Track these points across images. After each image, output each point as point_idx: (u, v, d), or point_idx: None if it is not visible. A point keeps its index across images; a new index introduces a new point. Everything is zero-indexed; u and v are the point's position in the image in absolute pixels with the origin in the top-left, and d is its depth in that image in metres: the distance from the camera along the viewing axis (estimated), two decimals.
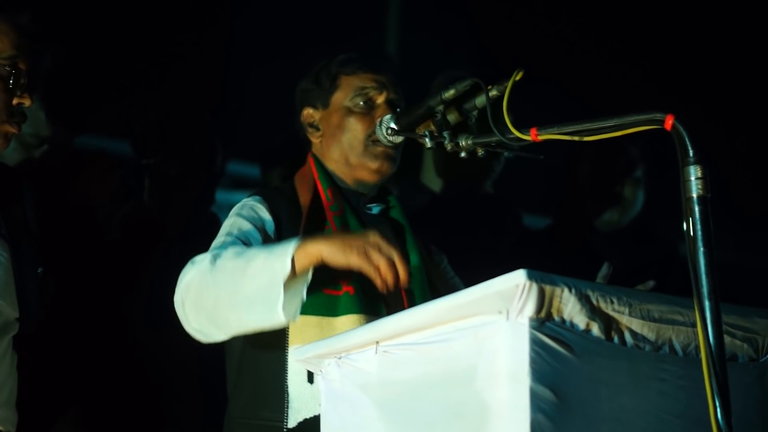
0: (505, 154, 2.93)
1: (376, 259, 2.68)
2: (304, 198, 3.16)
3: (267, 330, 2.80)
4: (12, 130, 2.98)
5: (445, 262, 3.38)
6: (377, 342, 2.41)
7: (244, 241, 2.97)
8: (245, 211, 3.08)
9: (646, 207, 4.48)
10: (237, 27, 5.60)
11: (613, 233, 4.42)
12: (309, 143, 3.31)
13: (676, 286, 2.53)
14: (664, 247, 4.58)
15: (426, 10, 6.12)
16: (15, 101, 2.97)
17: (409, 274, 2.75)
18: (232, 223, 3.04)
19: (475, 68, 4.18)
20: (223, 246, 2.92)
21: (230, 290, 2.76)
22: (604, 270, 3.11)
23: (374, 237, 2.71)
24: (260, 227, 3.04)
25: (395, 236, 3.19)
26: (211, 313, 2.80)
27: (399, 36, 6.30)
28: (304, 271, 2.72)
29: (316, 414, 2.84)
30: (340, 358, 2.49)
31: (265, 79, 5.38)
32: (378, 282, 2.70)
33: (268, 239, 3.03)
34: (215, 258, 2.81)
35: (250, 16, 5.60)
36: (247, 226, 3.03)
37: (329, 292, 2.96)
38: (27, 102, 2.98)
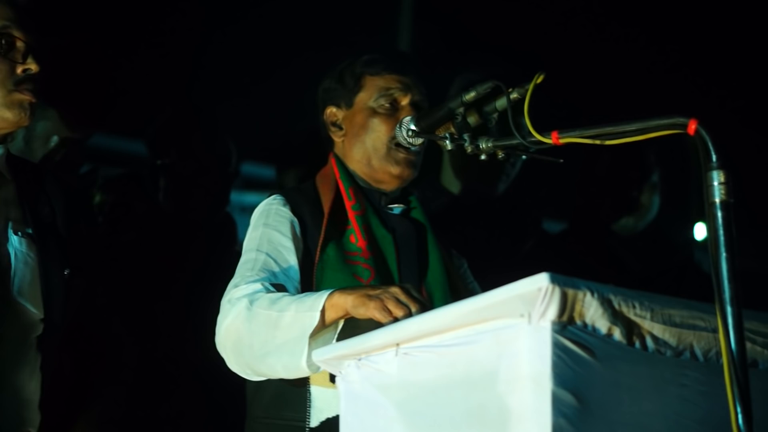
0: (522, 156, 2.92)
1: (395, 312, 2.68)
2: (326, 198, 3.17)
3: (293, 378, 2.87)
4: (24, 97, 2.98)
5: (465, 266, 3.38)
6: (398, 344, 2.41)
7: (274, 257, 3.00)
8: (272, 219, 3.08)
9: (662, 212, 4.48)
10: (253, 27, 5.60)
11: (628, 238, 4.41)
12: (328, 143, 3.31)
13: (691, 291, 2.52)
14: (680, 252, 4.58)
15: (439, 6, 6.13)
16: (20, 69, 2.97)
17: None
18: (261, 235, 3.06)
19: (489, 68, 4.14)
20: (255, 266, 2.97)
21: (262, 340, 2.82)
22: None
23: (395, 289, 2.73)
24: (290, 233, 3.06)
25: (417, 237, 3.20)
26: (247, 359, 2.87)
27: (412, 33, 6.32)
28: (333, 323, 2.79)
29: (339, 414, 2.84)
30: (360, 360, 2.49)
31: (277, 80, 5.39)
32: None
33: (297, 242, 3.05)
34: (251, 302, 2.86)
35: (266, 16, 5.60)
36: (277, 237, 3.05)
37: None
38: (33, 67, 2.97)
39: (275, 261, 3.00)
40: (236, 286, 2.94)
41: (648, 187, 4.41)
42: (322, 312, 2.75)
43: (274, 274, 2.98)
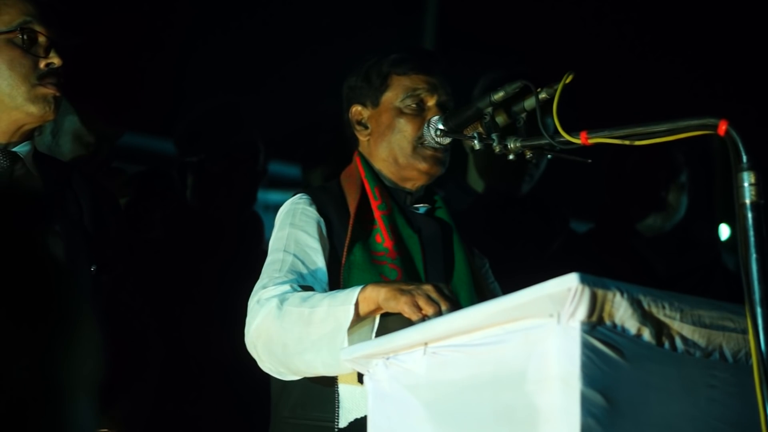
0: (548, 156, 2.92)
1: (425, 309, 2.68)
2: (352, 197, 3.16)
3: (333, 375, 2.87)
4: (48, 91, 2.99)
5: (486, 265, 3.37)
6: (426, 343, 2.40)
7: (301, 258, 3.00)
8: (298, 219, 3.08)
9: (689, 212, 4.46)
10: (279, 22, 5.61)
11: (655, 238, 4.40)
12: (352, 142, 3.31)
13: (719, 292, 2.52)
14: (707, 252, 4.56)
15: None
16: (42, 63, 3.00)
17: None
18: (288, 235, 3.06)
19: (513, 67, 4.15)
20: (283, 267, 2.97)
21: (296, 337, 2.81)
22: None
23: (428, 286, 2.73)
24: (317, 234, 3.06)
25: (442, 236, 3.19)
26: (281, 357, 2.87)
27: (437, 28, 6.32)
28: (367, 316, 2.78)
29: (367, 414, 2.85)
30: (388, 359, 2.49)
31: (301, 77, 5.39)
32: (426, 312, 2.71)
33: (324, 242, 3.05)
34: (281, 301, 2.86)
35: (291, 12, 5.61)
36: (303, 237, 3.05)
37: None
38: (56, 61, 2.99)
39: (302, 262, 3.00)
40: (264, 287, 2.94)
41: (676, 186, 4.39)
42: (356, 305, 2.75)
43: (301, 275, 2.98)
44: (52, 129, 3.78)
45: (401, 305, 2.69)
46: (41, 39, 3.00)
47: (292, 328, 2.82)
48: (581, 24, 5.78)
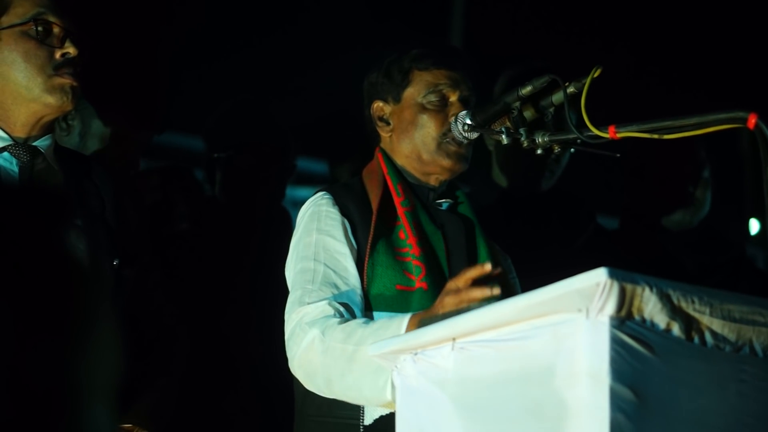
0: (571, 150, 2.92)
1: (467, 301, 2.69)
2: (374, 194, 3.14)
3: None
4: (65, 81, 2.99)
5: (508, 261, 3.35)
6: (454, 339, 2.40)
7: (333, 268, 2.99)
8: (324, 224, 3.07)
9: (717, 208, 4.44)
10: (309, 20, 5.62)
11: (682, 233, 4.38)
12: (373, 138, 3.30)
13: (746, 286, 2.51)
14: (733, 247, 4.54)
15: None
16: (58, 54, 2.99)
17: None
18: (316, 242, 3.05)
19: (534, 62, 4.14)
20: (315, 280, 2.98)
21: (339, 374, 2.83)
22: None
23: (452, 284, 2.74)
24: (344, 237, 3.05)
25: (465, 232, 3.19)
26: (323, 389, 2.90)
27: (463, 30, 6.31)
28: None
29: (392, 411, 2.85)
30: (416, 354, 2.48)
31: (327, 75, 5.40)
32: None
33: (350, 244, 3.04)
34: (324, 334, 2.85)
35: (317, 11, 5.61)
36: (332, 244, 3.04)
37: (402, 288, 2.97)
38: (71, 51, 2.99)
39: (334, 271, 2.99)
40: (302, 303, 2.94)
41: (701, 182, 4.38)
42: None
43: (336, 286, 2.97)
44: (80, 130, 3.79)
45: (447, 308, 2.70)
46: (56, 30, 3.00)
47: (335, 365, 2.82)
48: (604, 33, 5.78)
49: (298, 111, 5.04)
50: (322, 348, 2.84)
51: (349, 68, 3.68)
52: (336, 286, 2.97)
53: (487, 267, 2.71)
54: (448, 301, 2.71)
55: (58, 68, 2.99)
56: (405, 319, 2.76)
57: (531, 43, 5.66)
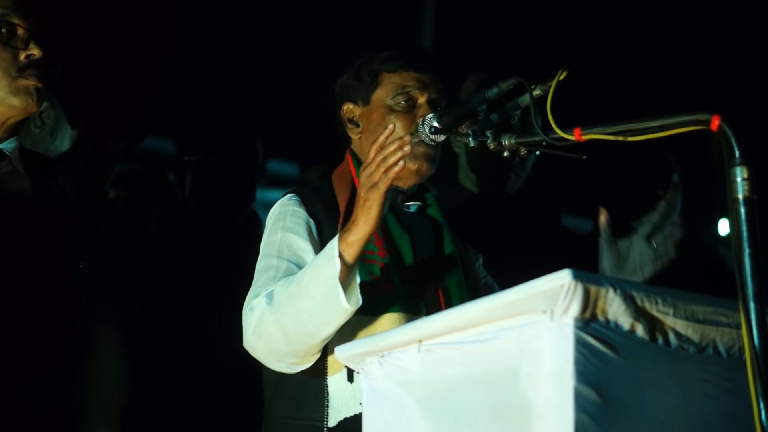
0: (536, 152, 2.92)
1: (379, 177, 2.78)
2: (342, 196, 3.15)
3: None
4: (29, 83, 2.99)
5: (480, 260, 3.37)
6: (420, 341, 2.41)
7: (295, 262, 3.00)
8: (289, 222, 3.08)
9: (689, 209, 4.45)
10: (279, 22, 5.61)
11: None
12: (344, 140, 3.31)
13: (718, 288, 2.51)
14: (705, 249, 4.56)
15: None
16: (22, 55, 2.99)
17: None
18: (280, 239, 3.06)
19: (502, 65, 4.14)
20: (278, 274, 2.98)
21: (293, 317, 2.82)
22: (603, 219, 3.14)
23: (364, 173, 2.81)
24: (307, 235, 3.06)
25: (433, 234, 3.19)
26: (286, 348, 2.87)
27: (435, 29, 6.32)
28: (355, 260, 2.79)
29: (357, 413, 2.86)
30: (382, 357, 2.49)
31: (299, 76, 5.39)
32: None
33: (315, 243, 3.05)
34: (269, 299, 2.87)
35: (293, 11, 5.61)
36: (295, 240, 3.05)
37: (368, 290, 2.98)
38: (36, 52, 2.99)
39: (297, 266, 2.99)
40: (257, 295, 2.95)
41: (672, 185, 4.39)
42: (341, 257, 2.77)
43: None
44: (52, 128, 3.78)
45: (374, 205, 2.79)
46: (20, 31, 2.99)
47: (286, 313, 2.82)
48: (577, 23, 5.79)
49: (269, 113, 5.04)
50: (270, 308, 2.85)
51: (322, 69, 3.68)
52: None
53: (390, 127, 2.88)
54: (363, 180, 2.80)
55: (22, 70, 2.98)
56: (335, 240, 2.81)
57: (501, 40, 5.68)
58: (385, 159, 2.78)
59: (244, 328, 2.91)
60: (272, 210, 3.16)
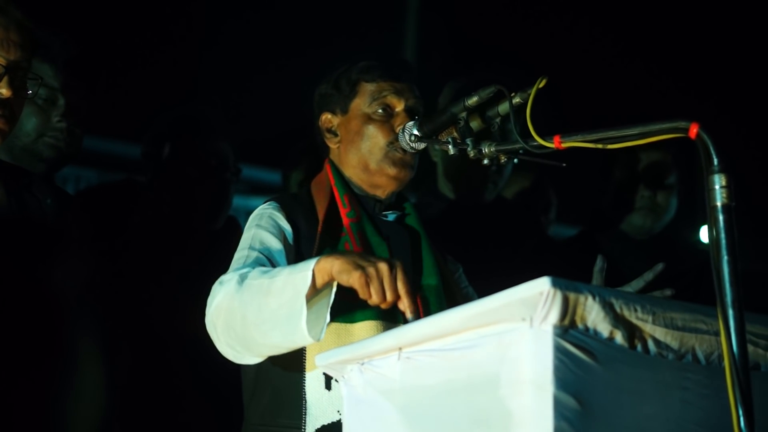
0: (514, 161, 2.93)
1: (373, 298, 2.66)
2: (321, 205, 3.15)
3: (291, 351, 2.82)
4: None
5: (460, 270, 3.38)
6: (400, 348, 2.41)
7: (266, 254, 2.99)
8: (264, 222, 3.08)
9: (678, 215, 4.46)
10: (254, 27, 5.61)
11: (643, 242, 4.40)
12: (323, 149, 3.31)
13: (709, 295, 2.52)
14: (696, 255, 4.56)
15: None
16: None
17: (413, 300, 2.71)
18: (253, 235, 3.05)
19: (481, 74, 4.15)
20: (247, 262, 2.95)
21: (255, 308, 2.76)
22: (599, 263, 3.14)
23: (384, 267, 2.67)
24: (281, 236, 3.05)
25: (411, 243, 3.20)
26: (240, 333, 2.80)
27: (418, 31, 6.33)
28: (324, 286, 2.72)
29: (334, 420, 2.86)
30: (362, 364, 2.49)
31: (281, 82, 5.40)
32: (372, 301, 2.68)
33: (289, 248, 3.04)
34: (242, 278, 2.83)
35: (270, 14, 5.61)
36: (267, 237, 3.04)
37: (345, 299, 2.97)
38: (4, 92, 2.90)
39: (267, 258, 2.97)
40: (229, 274, 2.91)
41: (665, 187, 4.39)
42: (314, 274, 2.68)
43: (265, 265, 2.96)
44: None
45: (353, 280, 2.65)
46: None
47: (251, 299, 2.76)
48: (561, 29, 5.81)
49: (252, 121, 5.04)
50: (239, 288, 2.79)
51: (304, 77, 3.68)
52: (265, 265, 2.95)
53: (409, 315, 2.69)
54: (368, 274, 2.67)
55: None
56: (318, 257, 2.73)
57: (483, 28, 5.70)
58: (379, 296, 2.68)
59: (209, 300, 2.86)
60: (252, 214, 3.16)
